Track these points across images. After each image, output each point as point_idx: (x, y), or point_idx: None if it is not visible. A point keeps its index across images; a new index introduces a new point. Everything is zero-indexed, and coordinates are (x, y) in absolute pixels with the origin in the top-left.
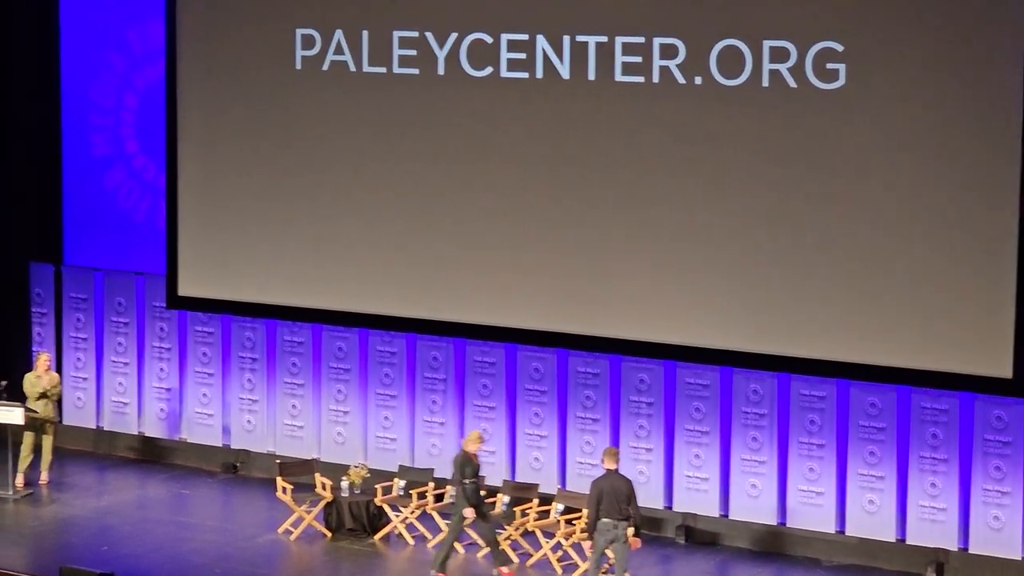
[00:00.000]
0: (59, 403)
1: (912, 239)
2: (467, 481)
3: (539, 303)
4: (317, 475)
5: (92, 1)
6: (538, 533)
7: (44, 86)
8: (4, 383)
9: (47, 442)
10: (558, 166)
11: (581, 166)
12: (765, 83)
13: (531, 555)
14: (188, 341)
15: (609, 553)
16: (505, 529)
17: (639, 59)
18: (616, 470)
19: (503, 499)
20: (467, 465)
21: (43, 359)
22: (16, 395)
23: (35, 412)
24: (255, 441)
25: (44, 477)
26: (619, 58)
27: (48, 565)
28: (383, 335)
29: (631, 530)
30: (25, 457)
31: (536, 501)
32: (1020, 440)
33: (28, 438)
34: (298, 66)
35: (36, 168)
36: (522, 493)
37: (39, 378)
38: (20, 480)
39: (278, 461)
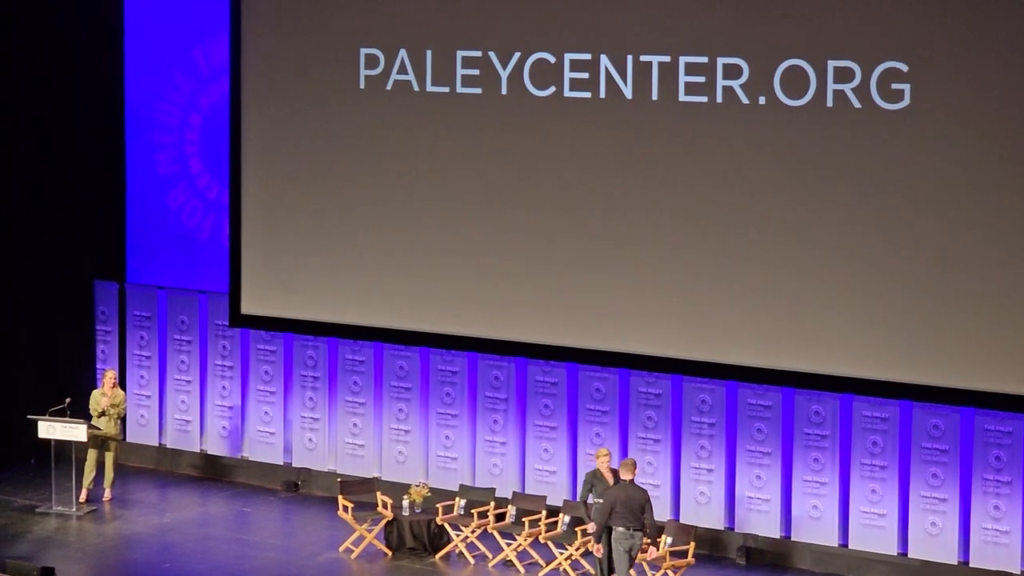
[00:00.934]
0: (123, 420)
1: (976, 260)
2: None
3: (607, 323)
4: (378, 493)
5: (158, 21)
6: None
7: (109, 105)
8: (68, 400)
9: (109, 459)
10: (622, 185)
11: (645, 185)
12: (829, 103)
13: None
14: (250, 359)
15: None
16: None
17: (702, 79)
18: (632, 480)
19: (564, 518)
20: (597, 482)
21: (109, 376)
22: (80, 412)
23: (98, 429)
24: (316, 459)
25: (107, 494)
26: (682, 78)
27: None
28: (445, 354)
29: (647, 540)
30: (88, 474)
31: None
32: None
33: (91, 455)
34: (362, 85)
35: (101, 187)
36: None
37: (103, 395)
38: (83, 497)
39: (339, 479)
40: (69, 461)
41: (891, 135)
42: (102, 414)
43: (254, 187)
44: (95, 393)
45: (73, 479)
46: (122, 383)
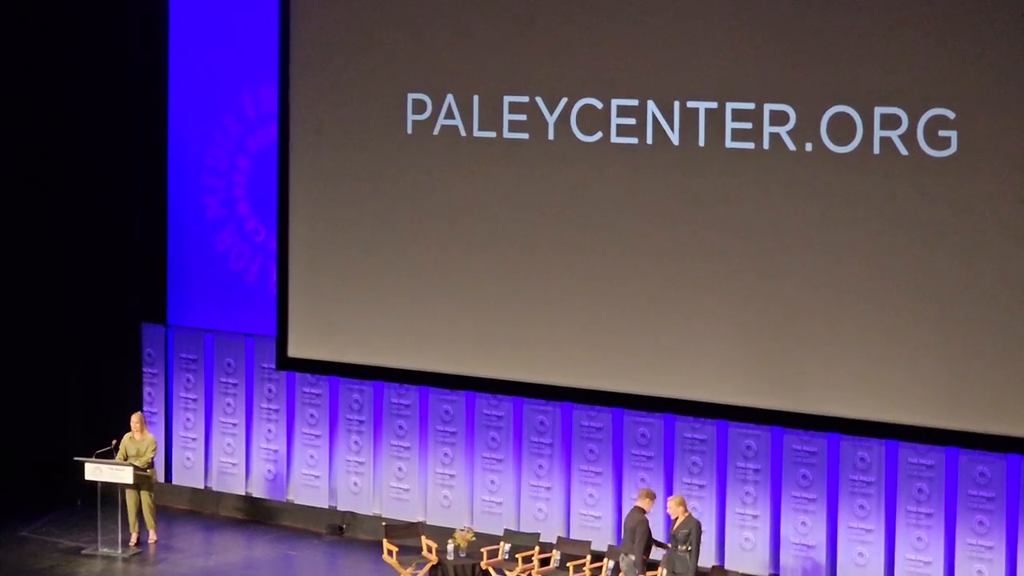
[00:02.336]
0: (153, 462)
1: (1018, 310)
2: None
3: (647, 368)
4: (423, 538)
5: (206, 65)
6: None
7: (154, 149)
8: (114, 443)
9: (146, 503)
10: (670, 231)
11: (692, 231)
12: (876, 150)
13: None
14: (296, 402)
15: None
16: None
17: (749, 125)
18: (638, 507)
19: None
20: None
21: (135, 420)
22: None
23: (144, 471)
24: (361, 503)
25: (151, 536)
26: (729, 124)
27: None
28: (490, 398)
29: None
30: (132, 516)
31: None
32: None
33: (129, 497)
34: (409, 130)
35: (148, 230)
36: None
37: (131, 439)
38: (133, 540)
39: (384, 524)
40: (115, 503)
41: (937, 183)
42: (126, 458)
43: (301, 230)
44: (125, 438)
45: (119, 521)
46: (166, 425)
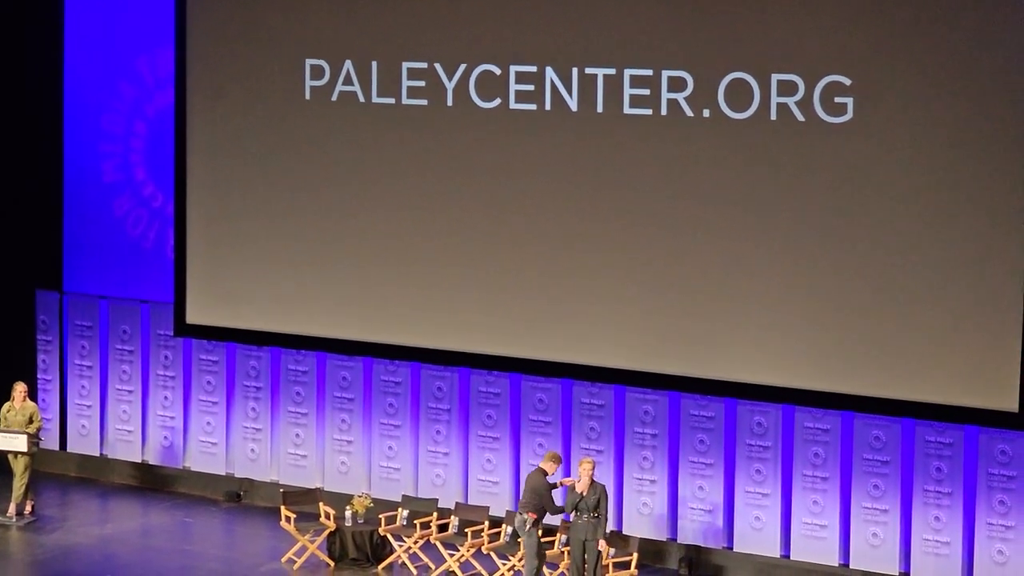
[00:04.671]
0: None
1: (918, 272)
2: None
3: (544, 333)
4: (321, 504)
5: (101, 31)
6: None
7: (49, 115)
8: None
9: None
10: (566, 197)
11: (589, 197)
12: (773, 116)
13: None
14: (192, 369)
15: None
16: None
17: (647, 91)
18: (538, 468)
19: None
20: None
21: (19, 389)
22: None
23: (38, 439)
24: (259, 470)
25: (27, 507)
26: (627, 90)
27: None
28: (387, 364)
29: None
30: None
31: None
32: None
33: (16, 466)
34: (307, 96)
35: (43, 196)
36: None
37: (11, 410)
38: (11, 511)
39: (282, 490)
40: (9, 472)
41: (834, 148)
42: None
43: (199, 196)
44: (4, 407)
45: (12, 490)
46: (62, 393)
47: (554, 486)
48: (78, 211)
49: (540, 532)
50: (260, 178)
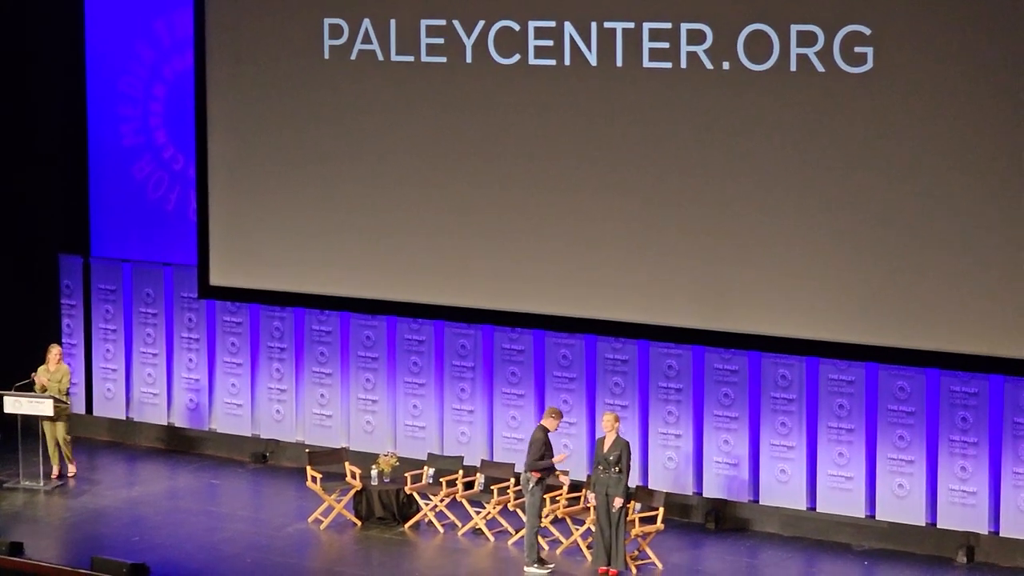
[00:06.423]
0: (68, 393)
1: (943, 222)
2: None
3: (567, 289)
4: (346, 464)
5: None
6: (568, 520)
7: (70, 79)
8: (34, 375)
9: (61, 433)
10: (586, 152)
11: (609, 152)
12: (793, 68)
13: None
14: (216, 331)
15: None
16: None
17: (666, 45)
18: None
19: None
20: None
21: (54, 352)
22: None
23: (63, 403)
24: (284, 431)
25: (71, 470)
26: (646, 44)
27: (80, 556)
28: (411, 323)
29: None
30: (52, 449)
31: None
32: None
33: (48, 429)
34: (326, 55)
35: (65, 160)
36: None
37: (46, 372)
38: (55, 472)
39: (307, 450)
40: (36, 436)
41: (855, 98)
42: (44, 389)
43: (220, 158)
44: (40, 370)
45: (40, 454)
46: (87, 357)
47: (547, 443)
48: (99, 175)
49: (543, 491)
50: (280, 139)
